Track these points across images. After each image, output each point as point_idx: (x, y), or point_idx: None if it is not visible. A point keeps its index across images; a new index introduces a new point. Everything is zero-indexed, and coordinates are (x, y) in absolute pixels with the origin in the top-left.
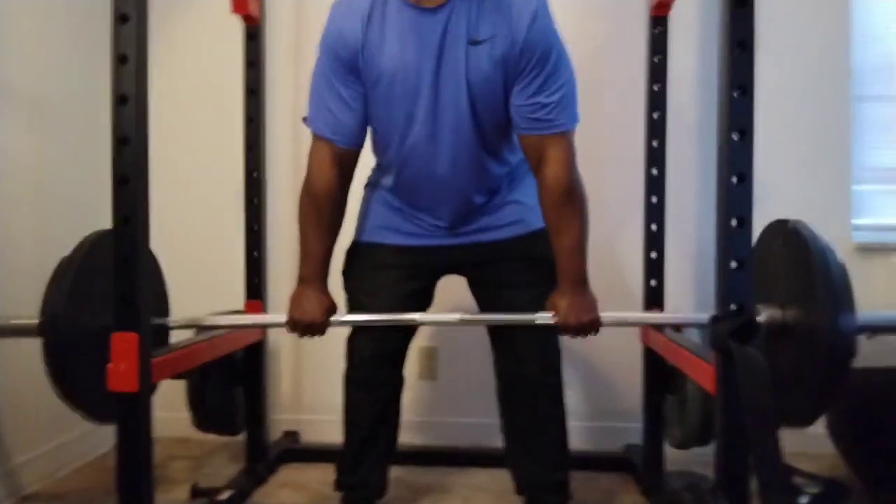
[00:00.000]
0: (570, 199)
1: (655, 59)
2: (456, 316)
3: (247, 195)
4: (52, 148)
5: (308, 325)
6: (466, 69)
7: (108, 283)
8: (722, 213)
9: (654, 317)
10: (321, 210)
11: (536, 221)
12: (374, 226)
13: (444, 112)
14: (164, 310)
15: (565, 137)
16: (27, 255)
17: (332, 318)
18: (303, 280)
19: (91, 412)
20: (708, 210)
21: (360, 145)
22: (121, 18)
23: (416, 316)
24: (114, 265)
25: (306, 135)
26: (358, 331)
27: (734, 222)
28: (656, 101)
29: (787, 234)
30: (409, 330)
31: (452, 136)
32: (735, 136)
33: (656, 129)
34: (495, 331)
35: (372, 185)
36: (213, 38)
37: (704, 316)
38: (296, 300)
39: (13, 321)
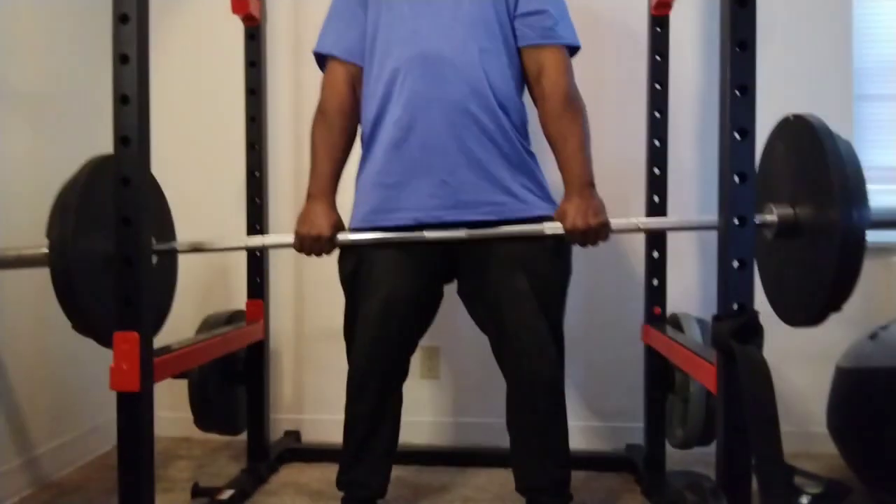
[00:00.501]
0: (570, 105)
1: (657, 59)
2: (462, 232)
3: (248, 195)
4: (53, 148)
5: (315, 240)
6: None
7: (111, 207)
8: (723, 212)
9: (662, 221)
10: (332, 126)
11: (540, 207)
12: (369, 209)
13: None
14: (171, 235)
15: (564, 52)
16: None
17: (339, 237)
18: (310, 196)
19: (101, 336)
20: (710, 209)
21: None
22: (121, 18)
23: (425, 234)
24: (115, 265)
25: (307, 134)
26: (359, 330)
27: (736, 221)
28: (658, 100)
29: (799, 128)
30: (412, 329)
31: (451, 15)
32: (736, 136)
33: (658, 128)
34: (495, 333)
35: (364, 161)
36: (213, 39)
37: (713, 218)
38: (303, 216)
39: (21, 251)
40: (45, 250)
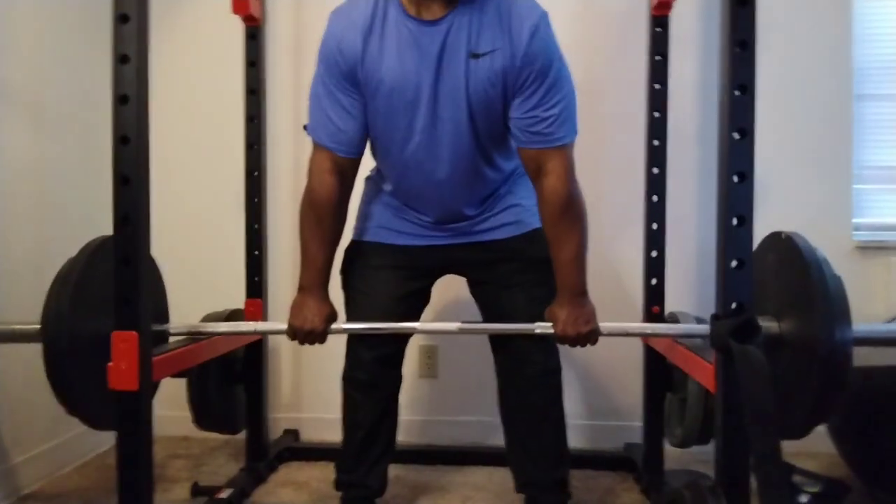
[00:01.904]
0: (568, 212)
1: (656, 59)
2: (455, 325)
3: (247, 194)
4: (53, 148)
5: (308, 333)
6: (466, 83)
7: (110, 290)
8: (722, 212)
9: (653, 327)
10: (322, 218)
11: (534, 222)
12: (373, 225)
13: (443, 125)
14: (163, 313)
15: (564, 150)
16: (27, 255)
17: (332, 327)
18: (303, 288)
19: (91, 419)
20: (708, 209)
21: (361, 154)
22: (121, 18)
23: (415, 325)
24: (114, 265)
25: (306, 135)
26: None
27: (735, 221)
28: (657, 100)
29: (782, 245)
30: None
31: (451, 148)
32: (736, 136)
33: (657, 128)
34: (495, 335)
35: (373, 182)
36: (213, 38)
37: (705, 327)
38: (296, 308)
39: (14, 326)
40: (37, 326)
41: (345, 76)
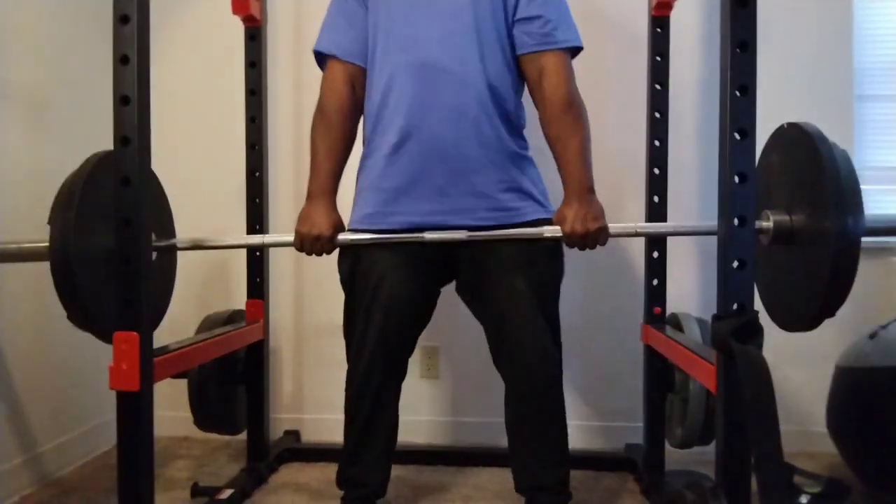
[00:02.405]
0: (570, 108)
1: (657, 59)
2: (463, 233)
3: (248, 194)
4: (53, 148)
5: (315, 239)
6: None
7: (111, 204)
8: (723, 212)
9: (660, 226)
10: (331, 126)
11: (536, 212)
12: (368, 212)
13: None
14: (170, 231)
15: (564, 55)
16: None
17: (339, 237)
18: (311, 195)
19: (99, 331)
20: (710, 209)
21: (365, 63)
22: (122, 19)
23: (426, 235)
24: (115, 265)
25: (307, 135)
26: (359, 328)
27: (736, 221)
28: (658, 100)
29: (795, 136)
30: (412, 328)
31: (448, 19)
32: (736, 136)
33: (658, 128)
34: (494, 331)
35: (364, 165)
36: (214, 39)
37: (713, 223)
38: (304, 216)
39: (22, 245)
40: (46, 244)
41: None
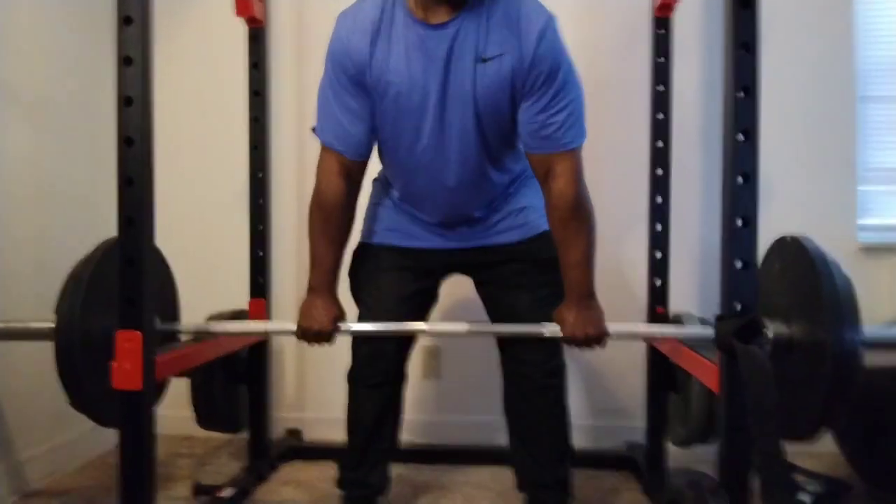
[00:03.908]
0: (576, 214)
1: (659, 61)
2: (463, 326)
3: (251, 195)
4: (57, 149)
5: (316, 334)
6: (474, 87)
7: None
8: (727, 212)
9: (661, 329)
10: (329, 220)
11: (541, 224)
12: (380, 228)
13: (451, 129)
14: (174, 313)
15: (573, 154)
16: (29, 256)
17: (341, 328)
18: (312, 289)
19: (100, 417)
20: (713, 210)
21: (368, 156)
22: (125, 20)
23: (423, 326)
24: (119, 265)
25: (311, 135)
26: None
27: (739, 222)
28: (660, 101)
29: (792, 249)
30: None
31: (458, 152)
32: (740, 137)
33: (661, 129)
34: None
35: (381, 184)
36: (217, 40)
37: (710, 331)
38: (305, 309)
39: (29, 324)
40: (52, 325)
41: (352, 79)
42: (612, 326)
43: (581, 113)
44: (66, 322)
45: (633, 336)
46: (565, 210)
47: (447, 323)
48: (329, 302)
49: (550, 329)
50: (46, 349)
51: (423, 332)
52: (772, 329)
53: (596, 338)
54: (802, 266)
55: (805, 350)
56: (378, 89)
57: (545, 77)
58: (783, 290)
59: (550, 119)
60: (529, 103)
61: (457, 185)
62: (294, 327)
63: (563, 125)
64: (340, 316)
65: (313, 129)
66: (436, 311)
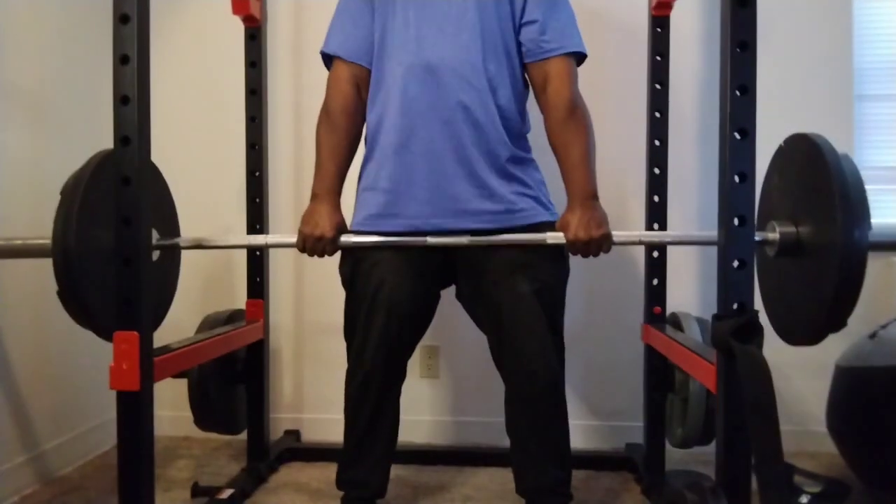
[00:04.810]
0: (574, 114)
1: (657, 59)
2: (465, 238)
3: (248, 195)
4: (53, 148)
5: (318, 240)
6: None
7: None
8: (724, 211)
9: (664, 235)
10: (336, 126)
11: (539, 214)
12: (370, 214)
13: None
14: (174, 229)
15: (569, 61)
16: None
17: (342, 238)
18: (315, 196)
19: (99, 329)
20: (710, 209)
21: (370, 64)
22: (122, 19)
23: (428, 239)
24: (115, 264)
25: (308, 134)
26: (360, 330)
27: (736, 221)
28: (658, 100)
29: (803, 146)
30: (412, 331)
31: (453, 35)
32: (737, 136)
33: (658, 128)
34: (495, 335)
35: (367, 167)
36: (214, 39)
37: (713, 233)
38: (307, 216)
39: (28, 241)
40: (48, 240)
41: None
42: (616, 233)
43: (576, 26)
44: (63, 235)
45: (638, 242)
46: (562, 110)
47: (450, 238)
48: (332, 209)
49: (553, 236)
50: (46, 350)
51: (427, 244)
52: (778, 229)
53: (600, 240)
54: (809, 162)
55: (813, 250)
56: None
57: None
58: (791, 189)
59: (549, 23)
60: (530, 6)
61: (455, 100)
62: (293, 240)
63: (562, 30)
64: (342, 225)
65: (321, 53)
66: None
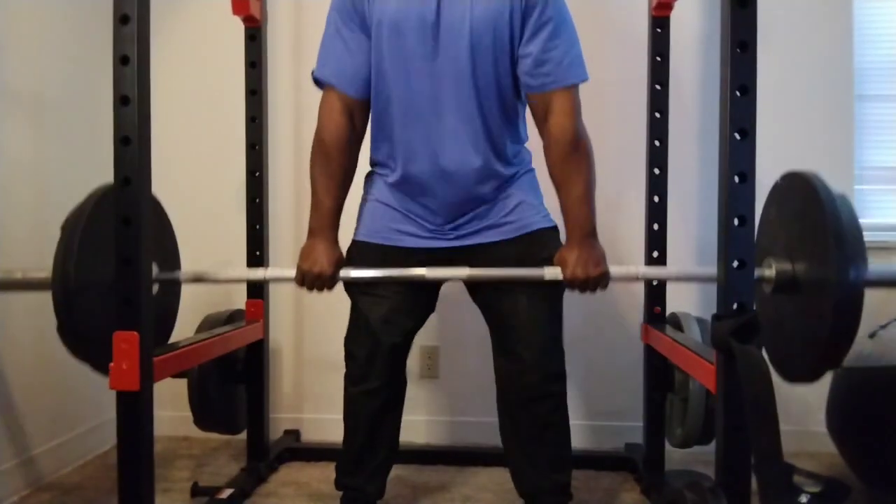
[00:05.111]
0: (576, 150)
1: (657, 59)
2: (464, 271)
3: (248, 194)
4: (54, 149)
5: (316, 277)
6: (471, 14)
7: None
8: (723, 212)
9: (661, 271)
10: (330, 159)
11: (538, 222)
12: (375, 226)
13: (445, 56)
14: (175, 262)
15: (571, 91)
16: (28, 255)
17: (341, 273)
18: (312, 232)
19: (99, 364)
20: (710, 209)
21: (367, 96)
22: (122, 19)
23: (423, 271)
24: (115, 265)
25: (307, 135)
26: (357, 330)
27: (736, 221)
28: (658, 100)
29: (798, 184)
30: (408, 328)
31: (453, 97)
32: (737, 136)
33: (658, 128)
34: (498, 335)
35: (373, 176)
36: (214, 39)
37: (711, 269)
38: (305, 252)
39: (29, 275)
40: (48, 274)
41: (352, 15)
42: (614, 268)
43: (579, 51)
44: (62, 270)
45: (635, 278)
46: (565, 145)
47: (448, 269)
48: (330, 245)
49: (551, 271)
50: (45, 350)
51: (424, 278)
52: (775, 266)
53: (598, 278)
54: (805, 200)
55: (809, 288)
56: (375, 19)
57: (540, 12)
58: (786, 228)
59: (548, 54)
60: (528, 38)
61: (452, 139)
62: (293, 274)
63: (561, 60)
64: (341, 260)
65: (314, 78)
66: (435, 311)
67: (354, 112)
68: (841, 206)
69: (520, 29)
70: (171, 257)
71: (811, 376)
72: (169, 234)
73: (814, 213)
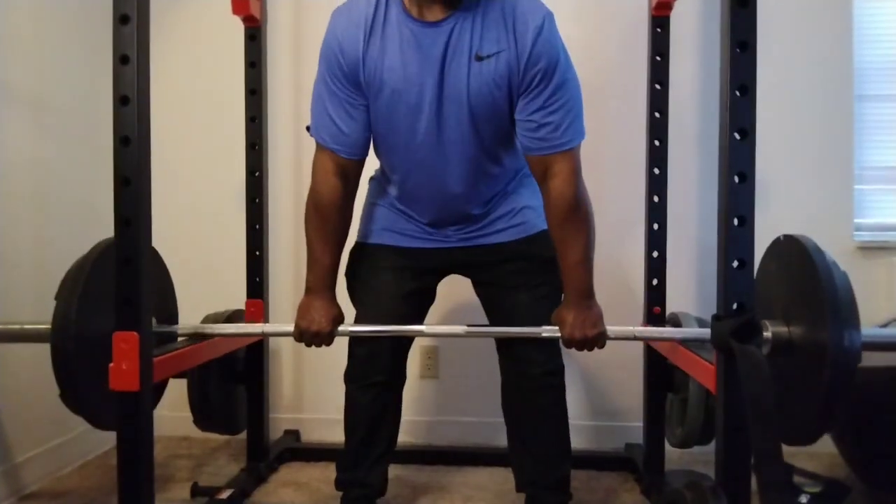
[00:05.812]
0: (575, 214)
1: (657, 59)
2: (461, 329)
3: (248, 195)
4: (53, 149)
5: (314, 335)
6: (468, 85)
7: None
8: (723, 212)
9: (659, 331)
10: (326, 220)
11: (538, 223)
12: (377, 228)
13: (447, 127)
14: (173, 314)
15: (571, 153)
16: (27, 255)
17: (339, 329)
18: (310, 290)
19: (97, 420)
20: (710, 209)
21: (364, 155)
22: (122, 19)
23: (422, 328)
24: (116, 266)
25: (307, 135)
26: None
27: (736, 221)
28: (658, 100)
29: (790, 248)
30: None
31: (456, 151)
32: (736, 136)
33: (658, 128)
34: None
35: (377, 183)
36: (214, 39)
37: (707, 331)
38: (303, 309)
39: (25, 326)
40: (48, 326)
41: (346, 76)
42: (611, 328)
43: (579, 111)
44: (63, 324)
45: (633, 338)
46: (564, 210)
47: (445, 325)
48: (327, 302)
49: (549, 330)
50: (45, 350)
51: (421, 333)
52: (771, 329)
53: (595, 339)
54: (801, 265)
55: (804, 352)
56: (372, 87)
57: (542, 75)
58: (782, 290)
59: (547, 118)
60: (526, 101)
61: (455, 183)
62: (292, 328)
63: (560, 124)
64: (339, 317)
65: (308, 129)
66: (434, 311)
67: (349, 172)
68: (835, 274)
69: (519, 87)
70: (167, 306)
71: (807, 440)
72: (169, 289)
73: (808, 279)
